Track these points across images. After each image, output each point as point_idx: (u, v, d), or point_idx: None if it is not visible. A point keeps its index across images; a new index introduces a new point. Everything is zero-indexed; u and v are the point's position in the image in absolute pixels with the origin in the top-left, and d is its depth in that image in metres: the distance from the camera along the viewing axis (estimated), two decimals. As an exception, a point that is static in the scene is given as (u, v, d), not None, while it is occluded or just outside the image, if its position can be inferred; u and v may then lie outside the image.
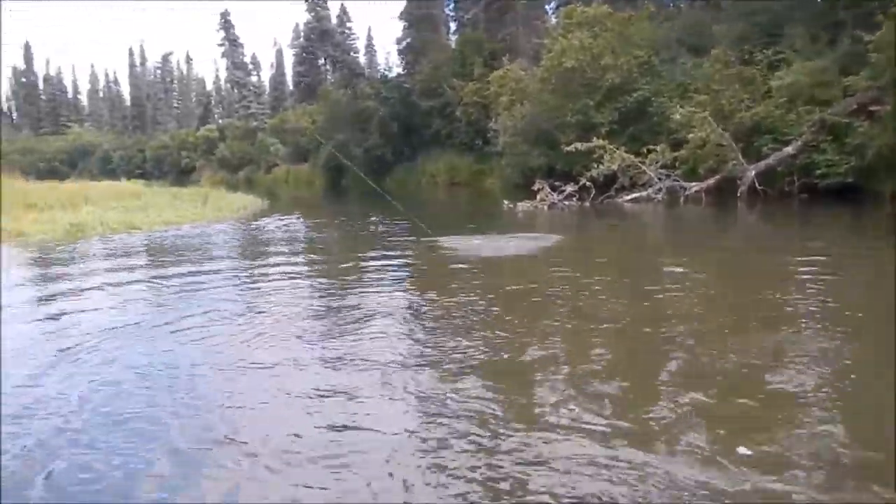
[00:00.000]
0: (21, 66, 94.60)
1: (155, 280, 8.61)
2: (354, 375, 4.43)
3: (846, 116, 16.83)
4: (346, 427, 3.60)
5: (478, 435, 3.42)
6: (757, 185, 17.85)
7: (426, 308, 6.53)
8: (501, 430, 3.46)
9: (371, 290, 7.58)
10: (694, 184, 19.00)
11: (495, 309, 6.26)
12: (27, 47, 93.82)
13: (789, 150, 17.62)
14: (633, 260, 9.57)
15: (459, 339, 5.20)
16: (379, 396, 4.03)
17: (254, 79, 71.57)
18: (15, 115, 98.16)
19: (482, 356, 4.80)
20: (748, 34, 21.05)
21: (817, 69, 17.87)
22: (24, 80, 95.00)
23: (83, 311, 6.71)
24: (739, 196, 17.99)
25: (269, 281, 8.57)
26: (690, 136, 18.74)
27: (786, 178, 17.92)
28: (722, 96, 19.31)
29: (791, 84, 18.05)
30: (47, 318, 6.46)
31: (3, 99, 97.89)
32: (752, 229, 14.54)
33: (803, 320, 5.56)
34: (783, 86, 18.21)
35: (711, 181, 18.84)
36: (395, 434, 3.49)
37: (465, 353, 4.86)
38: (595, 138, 20.42)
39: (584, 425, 3.46)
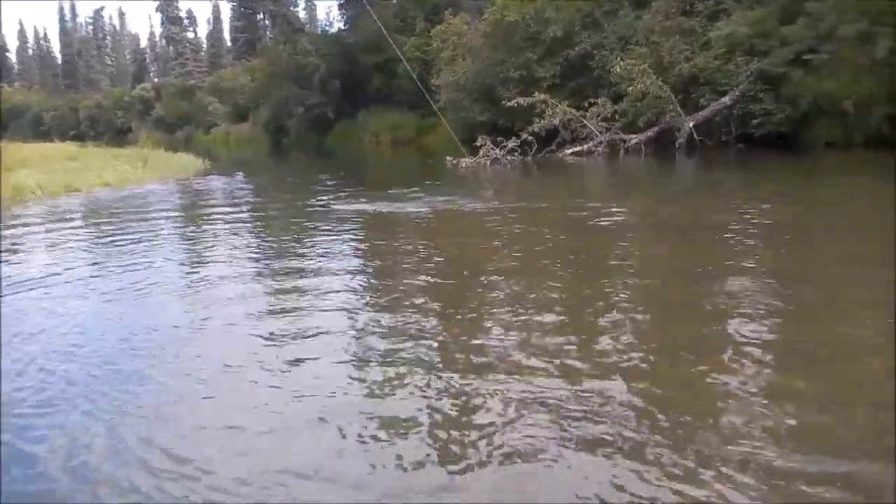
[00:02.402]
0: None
1: (97, 242, 8.45)
2: (298, 322, 4.53)
3: (783, 66, 16.92)
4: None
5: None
6: (695, 135, 17.93)
7: (368, 266, 6.52)
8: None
9: (313, 246, 7.47)
10: (633, 136, 18.97)
11: (431, 263, 6.31)
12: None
13: (726, 100, 17.72)
14: (573, 212, 9.34)
15: (397, 292, 5.27)
16: (323, 337, 4.16)
17: (190, 35, 68.95)
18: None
19: (418, 301, 4.91)
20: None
21: (757, 19, 17.87)
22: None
23: (28, 274, 6.53)
24: (678, 147, 18.04)
25: (213, 242, 8.43)
26: (630, 88, 18.64)
27: (723, 128, 18.08)
28: (662, 48, 19.24)
29: (730, 34, 18.01)
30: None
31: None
32: (688, 179, 14.65)
33: (742, 267, 5.54)
34: (722, 36, 18.18)
35: (651, 133, 18.86)
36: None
37: (398, 301, 4.95)
38: (537, 93, 20.19)
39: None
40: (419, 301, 4.86)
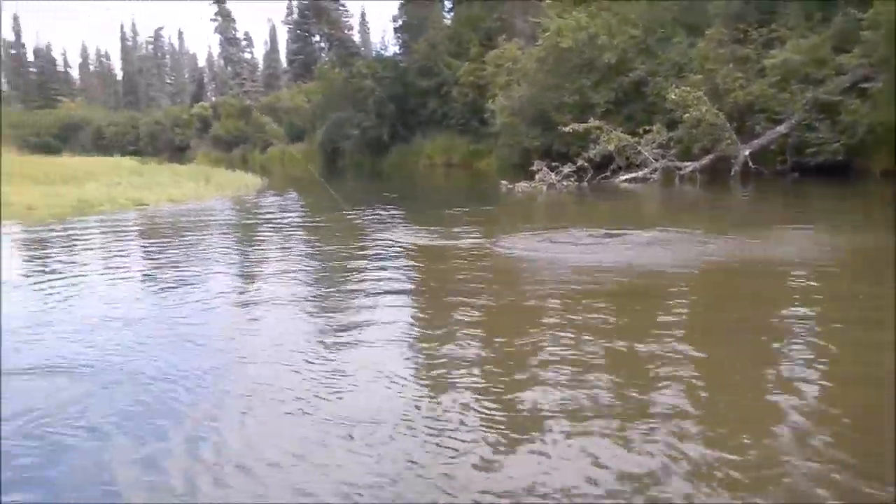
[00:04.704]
0: (10, 37, 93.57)
1: (163, 255, 8.95)
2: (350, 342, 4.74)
3: (838, 94, 17.14)
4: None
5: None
6: (750, 163, 18.21)
7: (416, 299, 6.39)
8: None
9: (360, 271, 7.49)
10: (689, 163, 19.31)
11: (482, 297, 6.03)
12: (16, 19, 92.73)
13: (781, 128, 18.00)
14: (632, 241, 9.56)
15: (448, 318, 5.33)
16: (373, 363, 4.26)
17: (247, 56, 71.20)
18: (4, 87, 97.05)
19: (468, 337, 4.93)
20: (743, 12, 21.18)
21: (810, 47, 18.10)
22: (13, 51, 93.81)
23: (109, 283, 7.03)
24: (732, 175, 18.34)
25: (268, 259, 8.86)
26: (685, 115, 18.99)
27: (778, 156, 18.32)
28: (716, 75, 19.58)
29: (784, 62, 18.29)
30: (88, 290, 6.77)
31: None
32: (744, 207, 14.86)
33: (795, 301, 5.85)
34: (776, 64, 18.45)
35: (706, 160, 19.17)
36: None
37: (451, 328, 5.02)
38: (591, 119, 20.64)
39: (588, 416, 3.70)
40: (462, 330, 4.97)
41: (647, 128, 19.94)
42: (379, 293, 6.11)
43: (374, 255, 8.43)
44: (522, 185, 19.16)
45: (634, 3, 24.50)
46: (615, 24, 23.54)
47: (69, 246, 9.92)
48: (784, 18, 20.01)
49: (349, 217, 11.92)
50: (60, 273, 7.58)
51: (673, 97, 19.43)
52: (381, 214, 13.26)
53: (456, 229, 10.32)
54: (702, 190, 17.72)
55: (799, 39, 18.50)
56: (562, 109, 23.20)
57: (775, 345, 4.54)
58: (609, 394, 3.63)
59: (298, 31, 65.39)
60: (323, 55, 60.34)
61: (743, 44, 20.13)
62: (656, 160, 19.60)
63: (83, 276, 7.42)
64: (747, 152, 18.31)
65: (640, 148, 19.81)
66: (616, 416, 3.35)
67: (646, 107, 21.83)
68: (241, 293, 6.62)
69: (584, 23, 23.30)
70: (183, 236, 10.70)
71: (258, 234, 11.42)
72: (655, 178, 19.27)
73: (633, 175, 19.54)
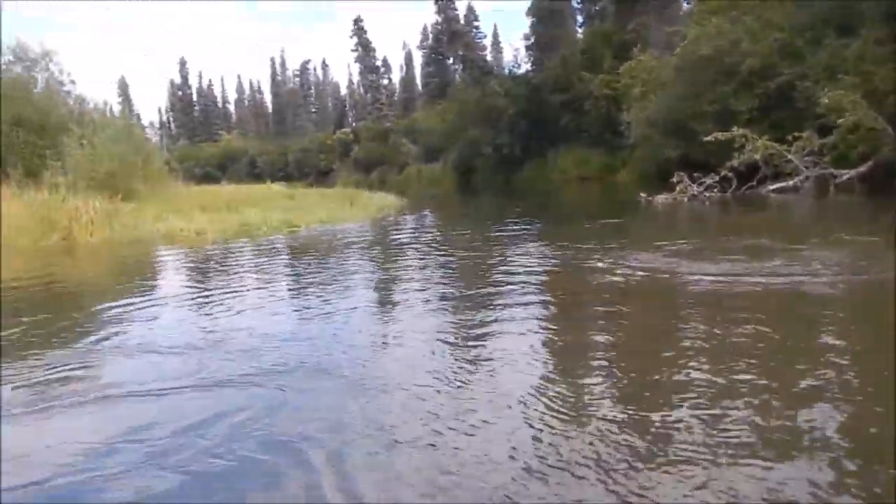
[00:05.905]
0: (177, 80, 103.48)
1: (311, 272, 9.57)
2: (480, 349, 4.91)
3: None
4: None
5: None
6: (918, 170, 16.80)
7: (555, 310, 6.32)
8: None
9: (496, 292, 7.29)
10: (845, 171, 18.07)
11: (616, 325, 5.77)
12: (182, 63, 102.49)
13: (954, 131, 16.46)
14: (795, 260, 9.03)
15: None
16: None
17: (385, 81, 74.31)
18: (173, 125, 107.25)
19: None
20: (905, 7, 19.61)
21: None
22: (180, 93, 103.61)
23: (278, 301, 7.55)
24: (898, 182, 16.97)
25: (412, 275, 9.14)
26: (840, 120, 17.82)
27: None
28: (874, 77, 18.24)
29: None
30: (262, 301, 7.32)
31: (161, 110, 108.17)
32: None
33: None
34: (945, 62, 16.99)
35: (864, 168, 17.85)
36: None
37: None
38: (736, 127, 19.82)
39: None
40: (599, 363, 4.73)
41: (798, 134, 18.84)
42: (516, 318, 5.95)
43: (510, 271, 8.44)
44: (662, 198, 18.71)
45: (780, 6, 23.34)
46: (758, 29, 22.55)
47: (240, 267, 10.78)
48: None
49: (486, 235, 12.03)
50: (239, 291, 8.25)
51: (826, 101, 18.31)
52: (515, 231, 13.38)
53: (593, 244, 10.05)
54: (861, 199, 16.50)
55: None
56: (701, 118, 22.44)
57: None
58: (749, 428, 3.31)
59: (433, 55, 67.49)
60: (457, 76, 61.89)
61: (905, 41, 18.66)
62: (807, 168, 18.51)
63: (265, 292, 8.05)
64: (912, 157, 16.90)
65: (789, 156, 18.79)
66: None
67: (793, 113, 20.65)
68: (389, 308, 7.01)
69: (725, 29, 22.51)
70: (334, 255, 11.37)
71: (400, 252, 11.83)
72: (807, 188, 18.21)
73: (783, 184, 18.56)
